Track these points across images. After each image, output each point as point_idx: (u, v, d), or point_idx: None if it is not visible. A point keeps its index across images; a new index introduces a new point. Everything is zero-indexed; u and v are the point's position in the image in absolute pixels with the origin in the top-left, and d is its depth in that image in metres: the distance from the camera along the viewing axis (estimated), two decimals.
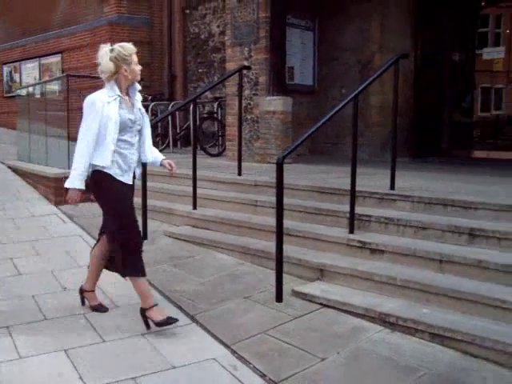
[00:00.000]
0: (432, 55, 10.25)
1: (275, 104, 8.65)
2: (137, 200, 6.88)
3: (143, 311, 4.20)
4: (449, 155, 10.63)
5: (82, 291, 4.63)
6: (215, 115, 11.38)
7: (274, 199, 4.76)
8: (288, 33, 9.45)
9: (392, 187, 5.62)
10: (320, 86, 10.52)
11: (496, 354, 3.71)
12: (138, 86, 4.36)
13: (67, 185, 4.09)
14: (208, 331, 4.23)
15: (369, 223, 5.23)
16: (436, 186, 5.97)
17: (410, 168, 7.81)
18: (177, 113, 11.39)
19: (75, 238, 6.78)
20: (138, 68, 4.22)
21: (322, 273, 4.96)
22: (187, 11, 13.50)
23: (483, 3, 13.38)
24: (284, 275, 4.76)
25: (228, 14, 9.46)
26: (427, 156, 9.73)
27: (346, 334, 4.15)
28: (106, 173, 4.09)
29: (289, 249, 5.14)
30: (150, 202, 6.70)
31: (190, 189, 6.74)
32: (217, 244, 6.03)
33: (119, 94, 4.13)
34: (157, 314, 4.16)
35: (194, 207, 6.74)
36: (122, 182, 4.16)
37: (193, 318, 4.44)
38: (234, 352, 3.90)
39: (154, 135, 11.18)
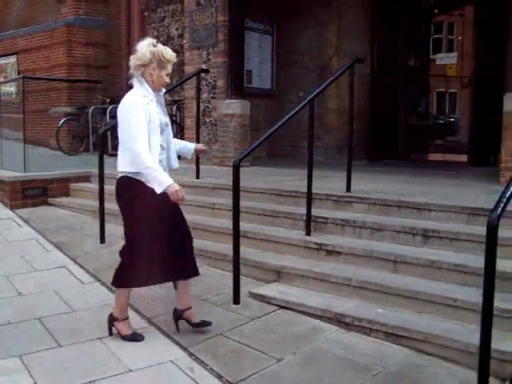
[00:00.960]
0: (388, 60, 10.44)
1: (233, 107, 8.69)
2: (94, 203, 6.89)
3: (111, 318, 4.14)
4: (405, 158, 10.83)
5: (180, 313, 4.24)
6: (174, 118, 11.33)
7: (231, 202, 4.79)
8: (246, 36, 9.50)
9: (348, 189, 5.71)
10: (278, 90, 10.61)
11: (448, 351, 3.81)
12: (163, 89, 4.15)
13: (160, 188, 3.75)
14: (165, 334, 4.23)
15: (325, 225, 5.31)
16: (391, 188, 6.08)
17: (367, 171, 7.93)
18: None
19: (31, 242, 6.69)
20: (166, 79, 4.00)
21: (279, 275, 5.00)
22: (146, 14, 13.42)
23: (436, 11, 13.70)
24: (242, 277, 4.79)
25: (186, 18, 9.47)
26: (384, 159, 9.89)
27: (303, 335, 4.20)
28: (136, 180, 3.84)
29: (246, 251, 5.17)
30: (107, 205, 6.64)
31: None
32: None
33: (154, 94, 3.95)
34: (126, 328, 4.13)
35: None
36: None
37: (150, 321, 4.44)
38: (191, 354, 3.92)
39: (113, 138, 11.21)
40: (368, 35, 10.22)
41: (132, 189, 3.87)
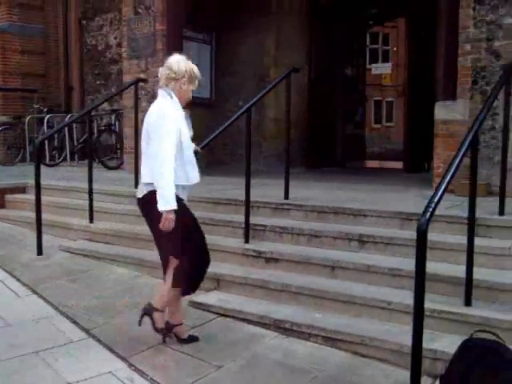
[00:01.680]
0: (325, 69, 10.65)
1: None
2: (31, 214, 6.77)
3: (152, 309, 4.13)
4: (343, 165, 11.05)
5: (170, 327, 4.19)
6: (113, 127, 11.25)
7: None
8: (185, 46, 9.50)
9: (286, 197, 5.80)
10: (218, 99, 10.66)
11: (383, 352, 3.93)
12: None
13: (165, 207, 3.70)
14: (104, 345, 4.20)
15: (264, 233, 5.37)
16: (328, 195, 6.21)
17: (305, 178, 8.05)
18: (74, 125, 11.16)
19: None
20: (190, 95, 4.12)
21: (218, 283, 5.04)
22: (84, 22, 13.27)
23: (371, 22, 14.05)
24: None
25: (124, 26, 9.42)
26: (322, 166, 10.07)
27: (243, 342, 4.25)
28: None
29: None
30: (45, 216, 6.54)
31: (87, 202, 6.65)
32: (114, 257, 5.98)
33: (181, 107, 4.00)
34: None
35: (91, 221, 6.65)
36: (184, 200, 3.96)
37: (89, 333, 4.39)
38: (130, 365, 3.90)
39: (51, 148, 11.04)
40: (306, 45, 10.42)
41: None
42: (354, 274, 4.64)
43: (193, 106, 9.36)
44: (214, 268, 5.13)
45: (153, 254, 5.70)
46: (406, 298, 4.03)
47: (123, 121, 9.70)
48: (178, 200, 3.80)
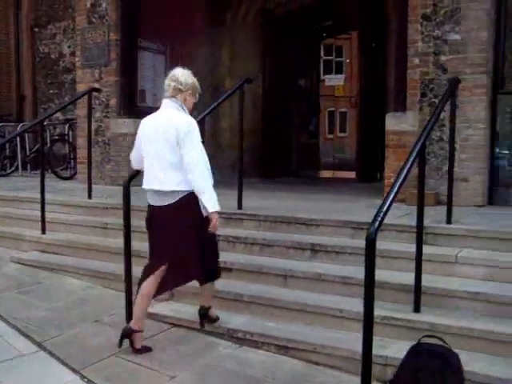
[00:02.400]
0: (279, 80, 10.77)
1: (126, 126, 8.64)
2: None
3: (206, 310, 4.43)
4: (297, 175, 11.16)
5: (130, 332, 4.16)
6: (66, 137, 11.12)
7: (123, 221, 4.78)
8: (140, 56, 9.49)
9: (239, 207, 5.84)
10: None
11: (335, 359, 4.00)
12: None
13: (215, 208, 4.02)
14: (56, 358, 4.15)
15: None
16: (282, 205, 6.27)
17: (259, 188, 8.11)
18: (26, 135, 10.99)
19: None
20: (191, 107, 4.34)
21: (172, 293, 5.03)
22: (36, 30, 13.10)
23: (324, 34, 14.27)
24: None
25: (78, 35, 9.34)
26: (276, 176, 10.15)
27: (196, 351, 4.26)
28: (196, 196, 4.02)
29: (139, 270, 5.12)
30: None
31: (39, 213, 6.56)
32: (66, 268, 5.92)
33: None
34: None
35: (43, 232, 6.56)
36: None
37: (40, 346, 4.33)
38: (83, 377, 3.87)
39: (2, 158, 10.84)
40: (260, 56, 10.53)
41: (197, 203, 4.02)
42: (306, 282, 4.71)
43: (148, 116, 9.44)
44: None
45: (107, 265, 5.71)
46: (357, 305, 4.08)
47: (77, 130, 9.60)
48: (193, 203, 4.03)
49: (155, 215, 4.19)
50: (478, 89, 6.07)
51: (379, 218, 3.32)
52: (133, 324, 4.18)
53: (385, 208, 3.42)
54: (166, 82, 4.23)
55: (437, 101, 5.86)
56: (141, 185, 4.26)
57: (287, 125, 11.21)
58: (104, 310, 5.03)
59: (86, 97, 7.74)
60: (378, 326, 3.92)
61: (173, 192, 4.02)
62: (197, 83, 4.30)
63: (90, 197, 7.04)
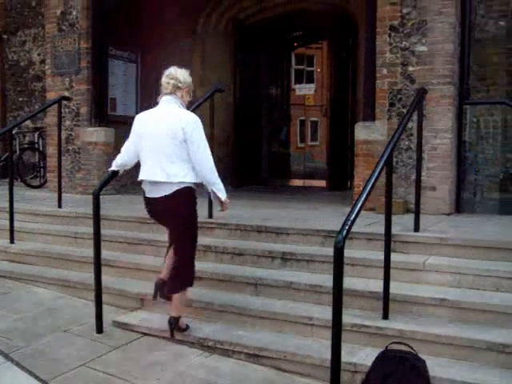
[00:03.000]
0: (251, 89, 10.83)
1: (97, 135, 8.62)
2: None
3: (176, 320, 4.38)
4: (268, 184, 11.21)
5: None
6: (36, 146, 11.02)
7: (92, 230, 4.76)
8: (111, 64, 9.46)
9: (210, 216, 5.85)
10: None
11: (305, 367, 4.03)
12: None
13: (225, 195, 4.39)
14: (25, 369, 4.10)
15: None
16: (253, 214, 6.30)
17: (230, 196, 8.06)
18: None
19: None
20: (186, 104, 4.51)
21: (142, 302, 5.02)
22: (5, 36, 12.97)
23: (295, 44, 14.38)
24: (105, 306, 4.77)
25: (48, 43, 9.29)
26: (248, 185, 10.19)
27: (166, 361, 4.25)
28: (194, 189, 4.30)
29: (110, 279, 5.16)
30: None
31: (7, 222, 6.49)
32: (35, 278, 5.86)
33: None
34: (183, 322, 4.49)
35: (12, 241, 6.48)
36: None
37: (7, 357, 4.27)
38: None
39: None
40: (231, 65, 10.57)
41: (194, 196, 4.33)
42: (277, 290, 4.74)
43: (119, 125, 9.43)
44: (137, 287, 5.16)
45: (77, 275, 5.67)
46: (327, 313, 4.10)
47: (47, 139, 9.52)
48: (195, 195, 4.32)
49: (157, 207, 4.34)
50: (444, 99, 6.20)
51: (347, 227, 3.37)
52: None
53: (352, 216, 3.47)
54: (165, 79, 4.37)
55: (405, 110, 5.97)
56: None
57: (258, 134, 11.27)
58: (73, 319, 4.99)
59: (56, 105, 7.69)
60: (348, 334, 3.98)
61: (179, 183, 4.17)
62: (191, 83, 4.49)
63: (59, 206, 6.98)
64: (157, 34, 10.47)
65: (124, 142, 4.58)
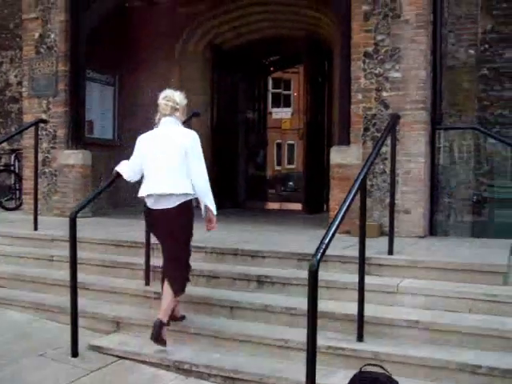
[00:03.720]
0: (228, 112, 10.94)
1: (74, 157, 8.62)
2: None
3: (161, 323, 4.41)
4: (244, 207, 11.25)
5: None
6: (12, 168, 10.95)
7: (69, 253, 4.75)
8: (88, 87, 9.49)
9: None
10: (121, 140, 10.64)
11: None
12: None
13: (215, 211, 4.70)
14: None
15: None
16: (229, 237, 6.33)
17: None
18: None
19: None
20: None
21: (118, 325, 5.01)
22: None
23: (272, 68, 14.55)
24: (81, 329, 4.74)
25: (26, 65, 9.29)
26: (224, 208, 10.18)
27: None
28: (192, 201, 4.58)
29: (86, 303, 5.13)
30: None
31: None
32: (10, 301, 5.79)
33: None
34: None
35: None
36: None
37: None
38: None
39: None
40: (208, 89, 10.66)
41: (192, 208, 4.59)
42: (253, 313, 4.76)
43: (96, 148, 9.44)
44: (114, 311, 5.15)
45: (52, 298, 5.63)
46: (302, 335, 4.12)
47: (23, 161, 9.48)
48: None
49: (163, 217, 4.54)
50: (417, 124, 6.34)
51: (321, 250, 3.42)
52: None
53: (327, 239, 3.52)
54: (163, 102, 4.67)
55: (379, 135, 6.07)
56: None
57: (235, 157, 11.34)
58: (48, 343, 4.95)
59: (32, 127, 7.69)
60: (323, 356, 4.01)
61: (185, 195, 4.49)
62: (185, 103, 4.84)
63: (35, 228, 6.95)
64: (135, 57, 10.57)
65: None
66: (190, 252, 4.77)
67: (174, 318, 4.68)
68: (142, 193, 4.62)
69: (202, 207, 4.66)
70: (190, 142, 4.57)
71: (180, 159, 4.51)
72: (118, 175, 4.99)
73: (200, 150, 4.62)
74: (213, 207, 4.67)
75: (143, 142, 4.76)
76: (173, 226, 4.53)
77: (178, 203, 4.46)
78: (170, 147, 4.54)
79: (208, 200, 4.63)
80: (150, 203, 4.56)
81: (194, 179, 4.52)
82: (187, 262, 4.72)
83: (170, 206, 4.46)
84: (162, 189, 4.48)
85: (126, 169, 4.89)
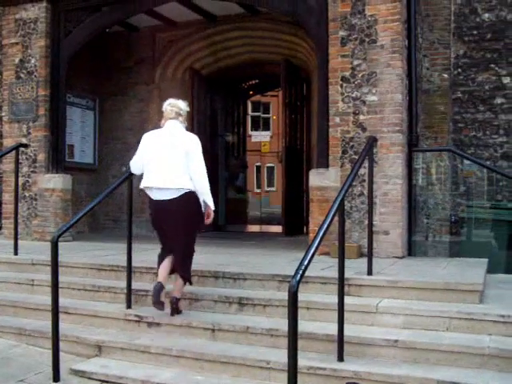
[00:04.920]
0: (207, 136, 11.01)
1: (54, 181, 8.62)
2: None
3: (177, 300, 5.06)
4: (225, 230, 11.29)
5: (176, 300, 5.06)
6: None
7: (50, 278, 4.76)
8: (69, 111, 9.55)
9: None
10: (101, 164, 10.70)
11: None
12: None
13: (213, 207, 5.16)
14: None
15: (146, 298, 5.42)
16: (210, 260, 6.36)
17: None
18: None
19: None
20: None
21: (100, 349, 4.99)
22: None
23: (251, 92, 14.70)
24: (62, 354, 4.72)
25: (5, 90, 9.31)
26: (205, 231, 10.23)
27: None
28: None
29: (67, 327, 5.12)
30: None
31: None
32: None
33: None
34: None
35: None
36: None
37: None
38: None
39: None
40: (188, 113, 10.72)
41: (199, 201, 5.06)
42: (234, 335, 4.79)
43: (76, 172, 9.46)
44: (95, 334, 5.14)
45: (33, 322, 5.61)
46: (284, 356, 4.16)
47: (3, 185, 9.45)
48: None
49: (164, 207, 4.97)
50: (394, 146, 6.45)
51: (300, 271, 3.48)
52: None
53: (306, 261, 3.59)
54: (168, 107, 5.20)
55: (357, 157, 6.17)
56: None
57: (215, 180, 11.38)
58: (29, 368, 4.92)
59: (13, 152, 7.69)
60: (304, 376, 4.06)
61: (188, 189, 4.93)
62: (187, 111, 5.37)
63: (16, 253, 6.92)
64: (115, 82, 10.67)
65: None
66: (194, 243, 5.26)
67: (177, 309, 5.11)
68: (143, 184, 5.10)
69: (202, 203, 5.08)
70: (192, 143, 5.03)
71: (181, 158, 4.94)
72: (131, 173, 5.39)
73: (201, 151, 5.07)
74: (211, 203, 5.12)
75: (148, 138, 5.19)
76: (180, 213, 4.95)
77: (180, 194, 4.90)
78: (172, 146, 4.98)
79: (207, 197, 5.06)
80: (153, 195, 5.04)
81: (194, 178, 4.96)
82: (192, 254, 5.23)
83: (173, 196, 4.92)
84: (161, 183, 4.94)
85: (134, 164, 5.28)
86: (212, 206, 5.13)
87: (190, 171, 4.96)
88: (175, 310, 5.05)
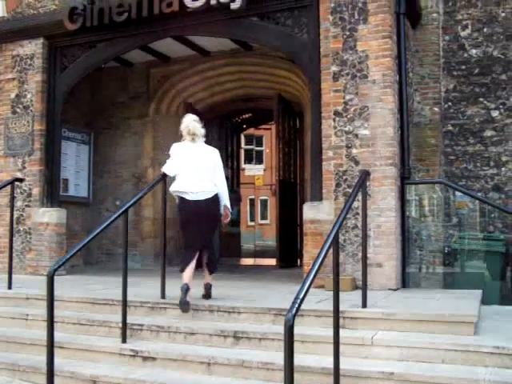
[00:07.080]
0: None
1: (49, 215, 8.64)
2: None
3: (210, 285, 6.08)
4: (219, 263, 11.24)
5: (210, 286, 6.11)
6: None
7: (46, 312, 4.74)
8: (64, 146, 9.62)
9: (163, 296, 5.91)
10: (95, 198, 10.72)
11: None
12: None
13: (231, 209, 6.24)
14: None
15: (141, 331, 5.41)
16: None
17: (181, 277, 8.13)
18: None
19: None
20: None
21: None
22: None
23: (244, 126, 14.84)
24: None
25: (1, 125, 9.36)
26: (199, 265, 10.22)
27: None
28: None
29: (61, 362, 5.08)
30: None
31: None
32: None
33: None
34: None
35: None
36: None
37: None
38: None
39: None
40: None
41: (219, 202, 6.03)
42: (229, 369, 4.77)
43: (71, 205, 9.49)
44: (90, 369, 5.10)
45: (27, 358, 5.57)
46: None
47: None
48: None
49: (200, 206, 5.81)
50: (387, 179, 6.52)
51: (296, 305, 3.49)
52: None
53: (301, 294, 3.60)
54: (192, 123, 6.07)
55: (351, 191, 6.22)
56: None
57: None
58: None
59: (8, 186, 7.72)
60: None
61: (210, 192, 5.87)
62: None
63: (10, 287, 6.90)
64: (109, 116, 10.78)
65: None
66: None
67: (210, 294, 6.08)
68: (175, 188, 5.89)
69: (222, 206, 6.03)
70: (218, 157, 6.10)
71: (210, 167, 5.91)
72: (164, 175, 6.04)
73: (220, 161, 6.11)
74: (229, 205, 6.12)
75: (178, 149, 6.02)
76: (208, 212, 5.85)
77: (209, 196, 5.83)
78: (203, 158, 5.93)
79: (227, 200, 6.06)
80: (187, 196, 5.82)
81: (219, 184, 5.95)
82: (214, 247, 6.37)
83: (204, 198, 5.81)
84: (198, 188, 5.80)
85: (169, 168, 5.99)
86: (230, 208, 6.17)
87: (215, 179, 5.90)
88: (209, 295, 5.97)
